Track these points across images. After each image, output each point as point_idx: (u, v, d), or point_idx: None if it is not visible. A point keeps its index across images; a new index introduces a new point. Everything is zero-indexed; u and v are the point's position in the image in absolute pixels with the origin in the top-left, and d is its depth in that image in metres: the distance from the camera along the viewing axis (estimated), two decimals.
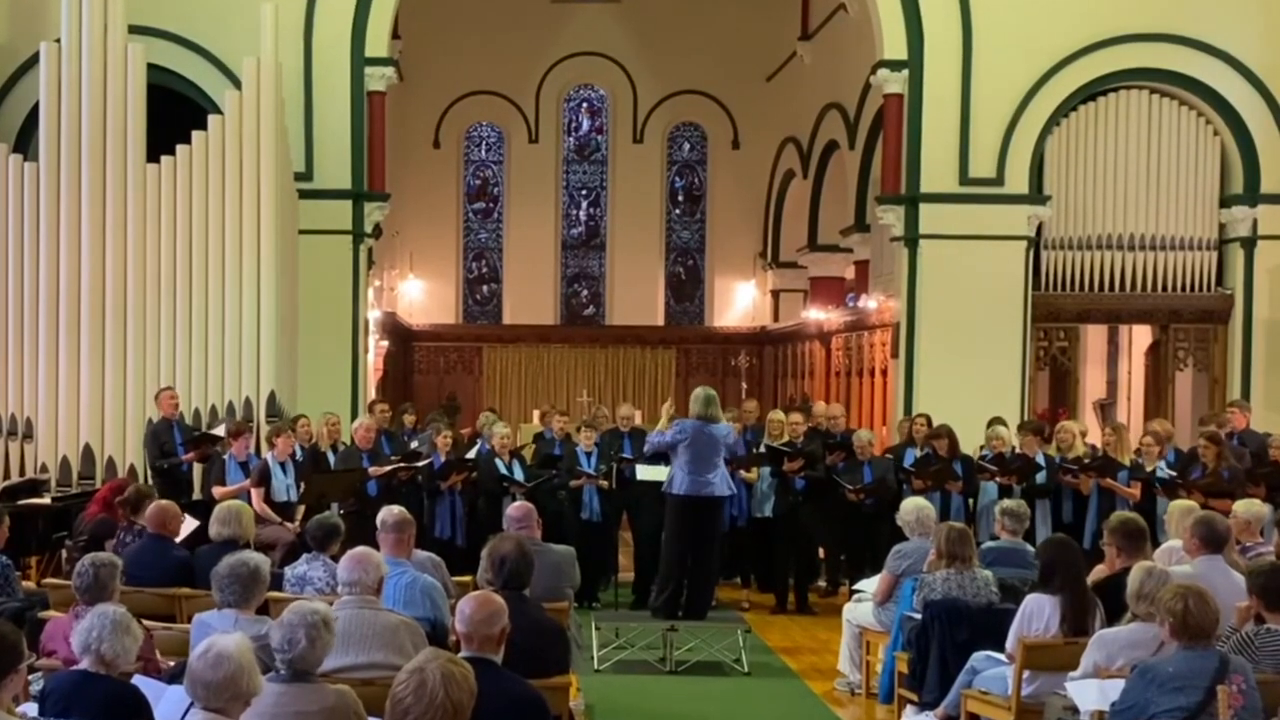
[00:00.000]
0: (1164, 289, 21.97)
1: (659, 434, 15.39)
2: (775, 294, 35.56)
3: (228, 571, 8.59)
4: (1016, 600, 10.70)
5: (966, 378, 20.70)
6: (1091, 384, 25.77)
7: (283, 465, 16.24)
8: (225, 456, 16.61)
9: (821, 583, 18.73)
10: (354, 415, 19.65)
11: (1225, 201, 22.06)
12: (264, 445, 17.26)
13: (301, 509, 15.97)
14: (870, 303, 26.53)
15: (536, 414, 27.39)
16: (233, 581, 8.56)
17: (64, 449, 18.84)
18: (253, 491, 15.84)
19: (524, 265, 36.83)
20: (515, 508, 11.85)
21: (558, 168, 37.19)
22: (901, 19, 21.27)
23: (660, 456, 15.88)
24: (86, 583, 8.85)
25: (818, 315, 30.42)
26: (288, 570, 10.98)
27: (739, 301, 37.06)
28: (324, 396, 20.08)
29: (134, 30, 19.79)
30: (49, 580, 12.90)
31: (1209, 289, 22.10)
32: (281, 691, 6.67)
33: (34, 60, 19.84)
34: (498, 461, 17.28)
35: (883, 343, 24.51)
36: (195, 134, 19.36)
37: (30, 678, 8.37)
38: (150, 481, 17.27)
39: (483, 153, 37.35)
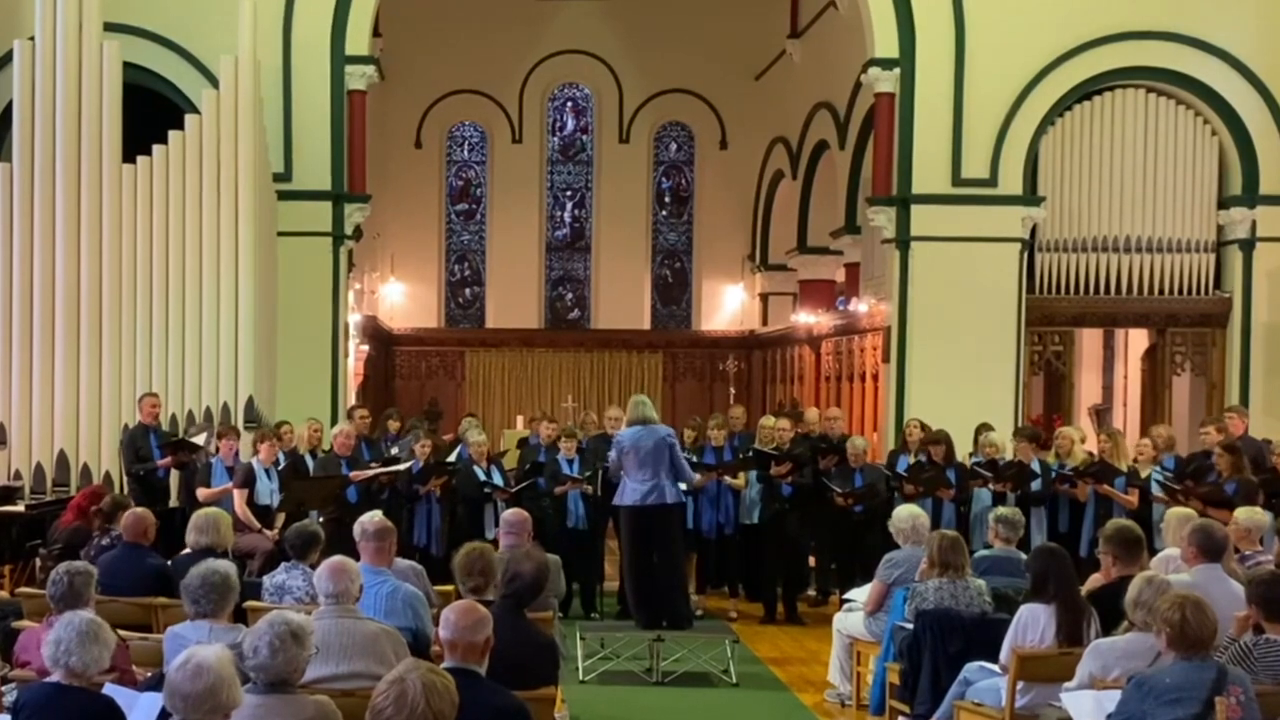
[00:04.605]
0: (1161, 292, 21.86)
1: None
2: (764, 297, 35.56)
3: (200, 582, 8.50)
4: (1010, 610, 10.61)
5: (959, 383, 20.57)
6: (1087, 389, 25.79)
7: (267, 471, 16.20)
8: (212, 459, 16.54)
9: (811, 592, 18.58)
10: (334, 421, 19.48)
11: (1223, 203, 21.98)
12: (246, 449, 17.11)
13: (281, 517, 15.75)
14: (861, 306, 26.47)
15: (520, 419, 27.29)
16: (208, 591, 8.48)
17: (38, 455, 18.66)
18: (235, 493, 15.85)
19: (507, 268, 36.74)
20: (511, 513, 11.86)
21: (542, 168, 37.09)
22: (893, 16, 21.11)
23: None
24: (60, 591, 8.82)
25: (807, 319, 30.36)
26: (266, 579, 10.88)
27: (727, 305, 36.99)
28: (303, 402, 19.89)
29: (109, 28, 19.61)
30: (23, 589, 12.72)
31: (1207, 292, 21.98)
32: (259, 703, 6.56)
33: (7, 58, 19.66)
34: (476, 469, 17.05)
35: (874, 347, 24.42)
36: (172, 134, 19.25)
37: (3, 689, 8.49)
38: (126, 488, 17.12)
39: (465, 153, 37.26)
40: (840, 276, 30.75)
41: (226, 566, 8.79)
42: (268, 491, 16.06)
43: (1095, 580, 11.04)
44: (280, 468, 16.46)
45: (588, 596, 17.55)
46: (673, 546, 15.17)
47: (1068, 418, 23.75)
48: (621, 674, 14.15)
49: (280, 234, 20.59)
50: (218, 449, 16.62)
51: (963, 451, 17.70)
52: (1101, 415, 25.56)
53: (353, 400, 22.81)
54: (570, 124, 37.52)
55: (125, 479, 17.74)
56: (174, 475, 17.36)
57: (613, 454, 15.48)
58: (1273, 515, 12.78)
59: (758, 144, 34.83)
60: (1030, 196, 21.49)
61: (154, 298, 18.96)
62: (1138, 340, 24.23)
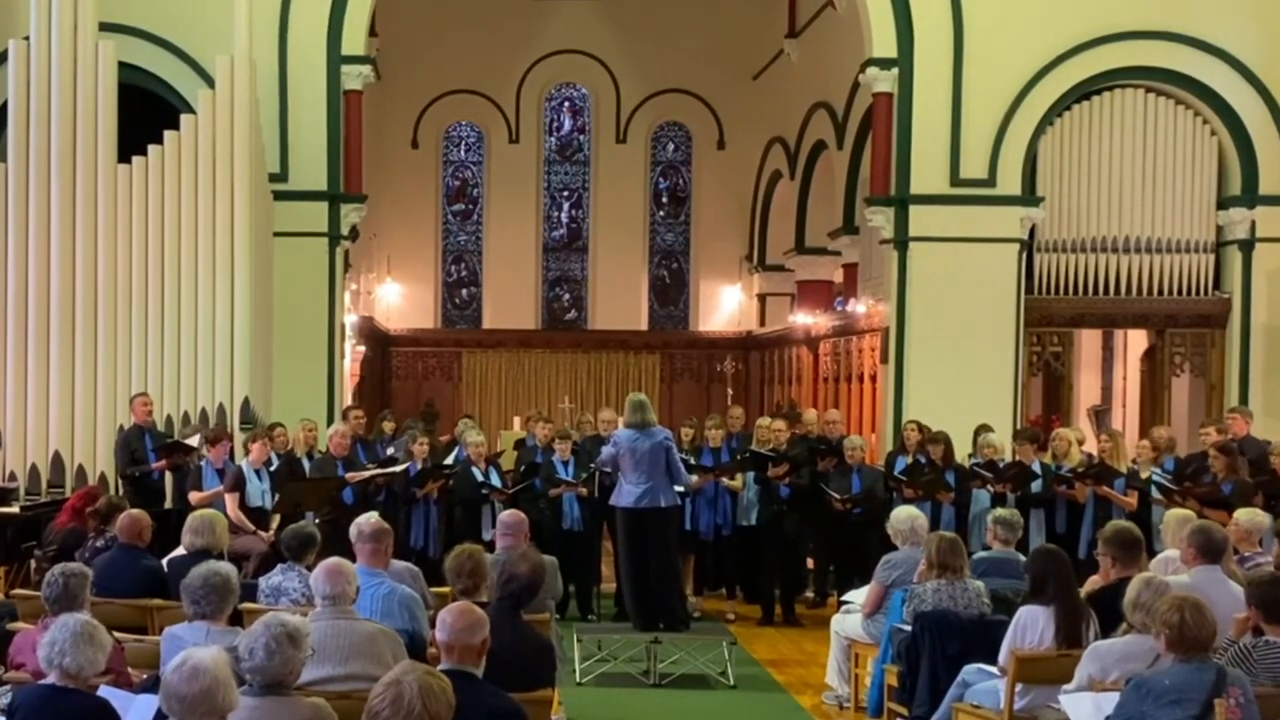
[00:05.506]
0: (1160, 293, 21.79)
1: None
2: (761, 298, 35.59)
3: (201, 583, 8.47)
4: (1009, 611, 10.58)
5: (958, 384, 20.50)
6: (1086, 390, 25.74)
7: (257, 472, 16.03)
8: (203, 463, 16.42)
9: (809, 593, 18.50)
10: (330, 422, 19.38)
11: (1223, 203, 21.90)
12: (239, 451, 17.02)
13: (277, 518, 15.69)
14: (859, 307, 26.42)
15: (518, 420, 27.23)
16: (208, 592, 8.45)
17: (33, 457, 18.56)
18: (227, 497, 15.70)
19: (504, 268, 36.73)
20: (508, 515, 11.91)
21: (539, 168, 37.11)
22: (891, 16, 21.03)
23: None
24: (56, 593, 8.77)
25: (805, 319, 30.33)
26: (262, 581, 10.84)
27: (724, 305, 36.99)
28: (299, 403, 19.82)
29: (105, 27, 19.53)
30: (17, 591, 12.71)
31: (1206, 293, 21.90)
32: (255, 705, 6.52)
33: (2, 58, 19.66)
34: (474, 470, 16.97)
35: (872, 348, 24.39)
36: (168, 134, 19.15)
37: None
38: (120, 490, 17.05)
39: (462, 153, 37.30)
40: (838, 277, 30.70)
41: (228, 569, 8.78)
42: (259, 493, 15.93)
43: (1094, 582, 11.00)
44: (272, 468, 16.38)
45: (584, 598, 17.49)
46: (669, 549, 15.09)
47: (1067, 419, 23.70)
48: (619, 676, 14.10)
49: (276, 234, 20.56)
50: (207, 453, 16.53)
51: (961, 453, 17.65)
52: (1101, 416, 25.52)
53: (349, 401, 22.72)
54: (567, 124, 37.51)
55: (119, 481, 17.67)
56: (169, 477, 17.29)
57: (607, 449, 15.41)
58: (1272, 517, 12.72)
59: (755, 144, 34.79)
60: (1029, 197, 21.43)
61: (149, 298, 18.87)
62: (1137, 341, 24.18)
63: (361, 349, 29.43)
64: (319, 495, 16.16)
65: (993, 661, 10.27)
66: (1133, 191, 21.71)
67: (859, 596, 13.14)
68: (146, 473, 17.12)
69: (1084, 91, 21.63)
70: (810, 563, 18.59)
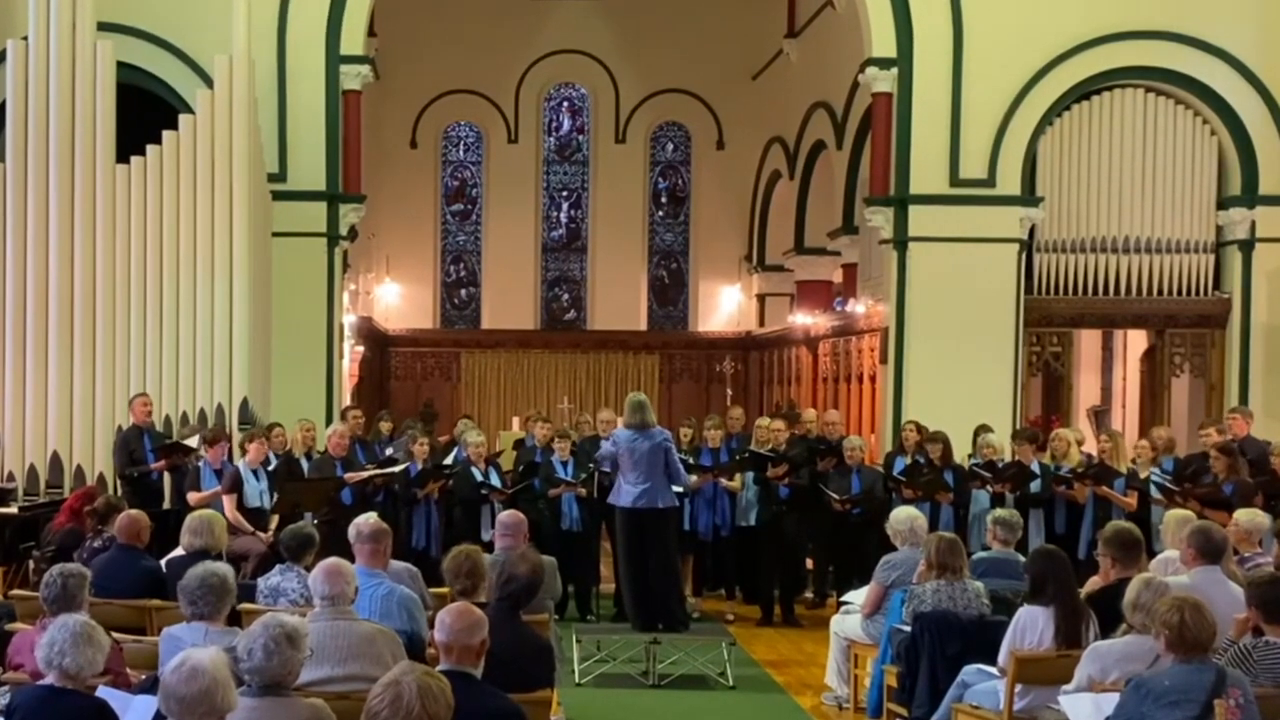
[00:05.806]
0: (1160, 293, 21.77)
1: None
2: (761, 298, 35.55)
3: (198, 583, 8.47)
4: (1008, 612, 10.57)
5: (957, 384, 20.47)
6: (1085, 390, 25.71)
7: (255, 472, 15.99)
8: (201, 463, 16.38)
9: (808, 594, 18.47)
10: (329, 422, 19.39)
11: (1222, 203, 21.89)
12: (237, 452, 16.99)
13: (275, 519, 15.66)
14: (858, 307, 26.40)
15: (516, 420, 27.21)
16: (206, 592, 8.45)
17: (31, 457, 18.50)
18: (225, 499, 15.64)
19: (503, 268, 36.70)
20: (507, 515, 11.90)
21: (538, 168, 37.08)
22: (891, 16, 21.03)
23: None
24: (54, 594, 8.76)
25: (804, 320, 30.32)
26: (261, 581, 10.81)
27: (724, 306, 36.95)
28: (298, 403, 19.81)
29: (103, 27, 19.49)
30: (16, 592, 12.64)
31: (1206, 293, 21.89)
32: (253, 706, 6.50)
33: (0, 58, 19.56)
34: (474, 470, 16.94)
35: (871, 348, 24.37)
36: (166, 134, 19.09)
37: None
38: (119, 490, 17.02)
39: (461, 153, 37.26)
40: (837, 277, 30.67)
41: (224, 569, 8.76)
42: (257, 493, 15.91)
43: (1094, 582, 10.99)
44: (270, 467, 16.37)
45: (583, 599, 17.46)
46: (668, 549, 15.07)
47: (1066, 419, 23.68)
48: (618, 676, 14.07)
49: (275, 235, 20.55)
50: (205, 453, 16.50)
51: (961, 453, 17.64)
52: (1100, 417, 25.51)
53: (347, 401, 22.70)
54: (566, 124, 37.48)
55: (118, 481, 17.64)
56: (167, 477, 17.26)
57: (607, 445, 15.41)
58: (1272, 517, 12.69)
59: (755, 144, 34.77)
60: (1028, 197, 21.42)
61: (148, 299, 18.83)
62: (1136, 341, 24.16)
63: (360, 349, 29.41)
64: (317, 496, 16.16)
65: (992, 662, 10.26)
66: (1132, 191, 21.69)
67: (858, 597, 13.12)
68: (145, 473, 17.10)
69: (1084, 91, 21.61)
70: (809, 563, 18.57)
